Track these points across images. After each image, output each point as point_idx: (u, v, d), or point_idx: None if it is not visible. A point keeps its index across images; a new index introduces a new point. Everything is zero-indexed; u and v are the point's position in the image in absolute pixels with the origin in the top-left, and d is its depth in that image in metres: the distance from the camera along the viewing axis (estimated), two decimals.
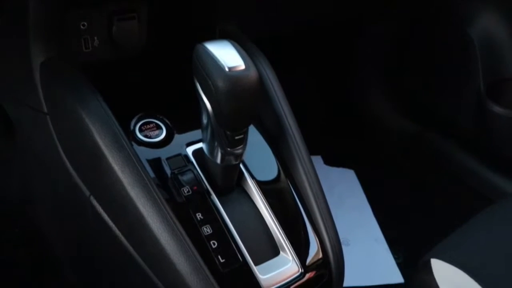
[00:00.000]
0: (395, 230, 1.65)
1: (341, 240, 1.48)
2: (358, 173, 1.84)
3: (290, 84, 1.09)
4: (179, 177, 0.83)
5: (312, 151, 0.96)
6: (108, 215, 0.82)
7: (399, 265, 1.55)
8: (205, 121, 0.78)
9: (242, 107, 0.73)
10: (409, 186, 1.78)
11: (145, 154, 0.84)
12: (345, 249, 1.54)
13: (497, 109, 1.50)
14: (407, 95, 1.86)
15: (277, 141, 0.93)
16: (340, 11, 1.59)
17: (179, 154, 0.86)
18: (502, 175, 1.58)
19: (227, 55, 0.72)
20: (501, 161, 1.58)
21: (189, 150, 0.87)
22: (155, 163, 0.84)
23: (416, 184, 1.78)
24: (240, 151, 0.79)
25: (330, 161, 1.86)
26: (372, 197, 1.76)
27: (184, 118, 0.89)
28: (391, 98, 1.92)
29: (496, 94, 1.53)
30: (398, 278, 1.51)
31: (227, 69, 0.71)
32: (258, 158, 0.90)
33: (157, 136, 0.87)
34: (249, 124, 0.78)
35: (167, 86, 0.98)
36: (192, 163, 0.86)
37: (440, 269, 0.95)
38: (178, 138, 0.88)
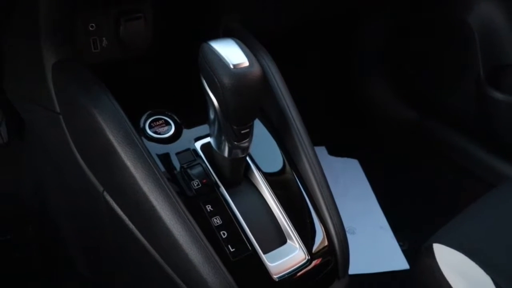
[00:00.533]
0: (400, 217, 1.67)
1: (347, 229, 1.50)
2: (362, 162, 1.86)
3: (293, 77, 1.11)
4: (189, 171, 0.86)
5: (316, 142, 0.98)
6: (122, 210, 0.85)
7: (405, 251, 1.58)
8: (212, 116, 0.81)
9: (247, 102, 0.76)
10: (412, 173, 1.79)
11: (155, 149, 0.87)
12: (351, 238, 1.56)
13: (497, 95, 1.51)
14: (408, 84, 1.87)
15: (281, 134, 0.96)
16: (340, 1, 1.61)
17: (188, 149, 0.89)
18: (503, 160, 1.59)
19: (231, 53, 0.75)
20: (501, 146, 1.60)
21: (198, 144, 0.90)
22: (165, 158, 0.87)
23: (419, 171, 1.79)
24: (246, 144, 0.82)
25: (334, 151, 1.89)
26: (376, 185, 1.78)
27: (191, 113, 0.92)
28: (392, 87, 1.93)
29: (496, 80, 1.54)
30: (404, 265, 1.54)
31: (232, 67, 0.74)
32: (264, 151, 0.93)
33: (166, 132, 0.90)
34: (254, 119, 0.80)
35: (174, 83, 1.01)
36: (200, 157, 0.89)
37: (442, 253, 0.97)
38: (187, 133, 0.91)
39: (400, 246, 1.60)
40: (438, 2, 1.67)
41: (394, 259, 1.55)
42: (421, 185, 1.76)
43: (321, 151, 1.85)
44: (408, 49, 1.83)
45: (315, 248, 0.87)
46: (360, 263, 1.47)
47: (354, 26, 1.93)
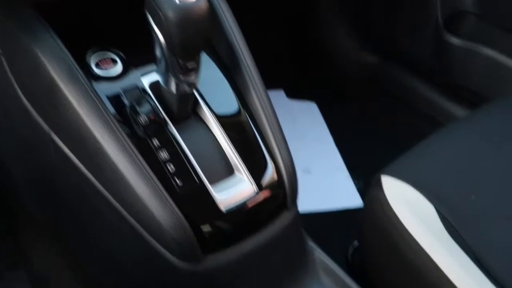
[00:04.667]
0: (356, 158, 1.70)
1: (303, 168, 1.52)
2: (320, 105, 1.87)
3: (252, 22, 1.09)
4: (137, 107, 0.85)
5: (274, 84, 0.98)
6: (68, 148, 0.85)
7: (359, 190, 1.61)
8: (158, 52, 0.80)
9: (192, 35, 0.75)
10: (370, 115, 1.82)
11: (101, 87, 0.86)
12: (306, 177, 1.59)
13: (454, 40, 1.55)
14: (368, 28, 1.88)
15: (232, 72, 0.95)
16: None
17: (136, 87, 0.88)
18: (455, 102, 1.64)
19: None
20: (454, 88, 1.64)
21: (145, 82, 0.89)
22: (112, 96, 0.86)
23: (376, 113, 1.83)
24: (193, 78, 0.82)
25: (293, 94, 1.88)
26: (334, 128, 1.80)
27: (138, 51, 0.90)
28: (352, 32, 1.94)
29: (453, 26, 1.56)
30: (358, 202, 1.57)
31: (177, 1, 0.73)
32: (214, 88, 0.92)
33: (112, 69, 0.89)
34: (200, 52, 0.80)
35: (119, 20, 0.98)
36: (148, 94, 0.88)
37: (390, 184, 1.01)
38: (134, 70, 0.90)
39: (355, 184, 1.63)
40: None
41: (348, 197, 1.58)
42: (379, 126, 1.79)
43: (279, 94, 1.85)
44: None
45: (263, 181, 0.88)
46: (314, 200, 1.50)
47: None
